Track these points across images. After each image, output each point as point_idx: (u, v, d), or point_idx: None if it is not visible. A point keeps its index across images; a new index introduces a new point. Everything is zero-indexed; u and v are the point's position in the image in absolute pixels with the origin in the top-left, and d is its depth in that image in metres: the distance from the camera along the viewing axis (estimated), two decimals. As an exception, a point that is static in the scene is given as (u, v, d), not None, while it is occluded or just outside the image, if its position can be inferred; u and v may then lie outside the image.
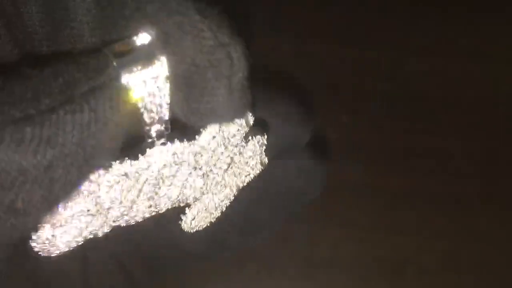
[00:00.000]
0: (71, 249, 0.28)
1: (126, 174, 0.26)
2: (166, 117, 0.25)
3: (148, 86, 0.24)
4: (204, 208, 0.31)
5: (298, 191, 0.35)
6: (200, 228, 0.31)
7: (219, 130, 0.28)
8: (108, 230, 0.28)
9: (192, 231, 0.31)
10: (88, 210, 0.27)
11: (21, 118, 0.21)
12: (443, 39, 0.49)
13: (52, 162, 0.22)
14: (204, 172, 0.29)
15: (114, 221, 0.28)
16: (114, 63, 0.22)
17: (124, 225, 0.29)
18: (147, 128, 0.26)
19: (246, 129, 0.29)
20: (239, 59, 0.24)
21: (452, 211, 0.46)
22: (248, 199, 0.33)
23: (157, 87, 0.24)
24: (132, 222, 0.29)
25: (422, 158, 0.47)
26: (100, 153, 0.24)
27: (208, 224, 0.31)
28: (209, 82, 0.24)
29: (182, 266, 0.35)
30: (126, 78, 0.23)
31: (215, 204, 0.31)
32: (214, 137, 0.28)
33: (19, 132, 0.21)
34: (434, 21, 0.50)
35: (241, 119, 0.28)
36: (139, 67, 0.23)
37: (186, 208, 0.31)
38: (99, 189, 0.26)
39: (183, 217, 0.31)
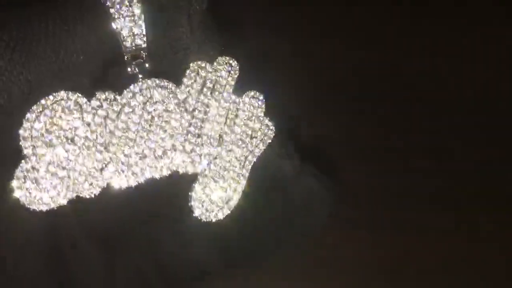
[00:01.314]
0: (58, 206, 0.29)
1: (109, 104, 0.29)
2: (144, 44, 0.30)
3: (124, 11, 0.29)
4: (212, 181, 0.32)
5: (307, 212, 0.36)
6: (214, 211, 0.32)
7: (200, 70, 0.31)
8: (97, 192, 0.30)
9: (205, 212, 0.32)
10: (70, 140, 0.29)
11: None
12: (443, 39, 0.49)
13: (25, 64, 0.27)
14: (196, 120, 0.31)
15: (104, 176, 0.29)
16: None
17: (122, 185, 0.30)
18: (127, 56, 0.30)
19: (227, 71, 0.32)
20: None
21: (452, 211, 0.46)
22: (259, 218, 0.34)
23: (133, 12, 0.29)
24: (131, 180, 0.30)
25: (422, 158, 0.47)
26: (77, 69, 0.28)
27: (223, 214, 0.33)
28: (171, 17, 0.30)
29: (196, 280, 0.37)
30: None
31: (223, 175, 0.32)
32: (195, 77, 0.31)
33: None
34: (434, 21, 0.50)
35: (225, 61, 0.32)
36: None
37: (195, 185, 0.32)
38: (81, 117, 0.29)
39: (192, 192, 0.32)
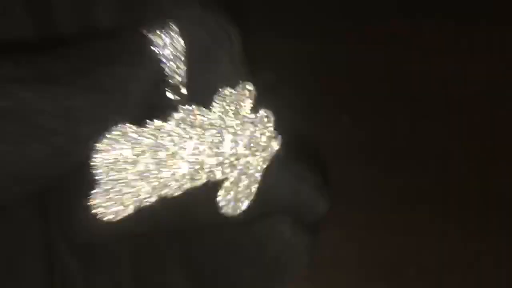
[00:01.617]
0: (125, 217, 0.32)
1: (160, 133, 0.31)
2: (184, 80, 0.32)
3: (169, 54, 0.31)
4: (237, 185, 0.35)
5: (279, 263, 0.37)
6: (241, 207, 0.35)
7: (229, 97, 0.33)
8: (155, 199, 0.32)
9: (231, 208, 0.35)
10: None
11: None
12: (443, 39, 0.49)
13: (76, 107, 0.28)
14: (219, 140, 0.33)
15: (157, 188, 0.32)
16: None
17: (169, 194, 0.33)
18: (170, 90, 0.32)
19: (248, 95, 0.34)
20: (236, 36, 0.32)
21: (452, 211, 0.46)
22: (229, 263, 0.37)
23: (176, 55, 0.31)
24: (175, 190, 0.33)
25: (422, 158, 0.47)
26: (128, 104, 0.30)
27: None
28: (213, 55, 0.32)
29: None
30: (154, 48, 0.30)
31: (246, 182, 0.35)
32: (222, 103, 0.33)
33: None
34: (434, 21, 0.50)
35: (245, 86, 0.33)
36: (164, 42, 0.31)
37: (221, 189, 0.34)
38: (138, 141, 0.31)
39: (218, 194, 0.34)
